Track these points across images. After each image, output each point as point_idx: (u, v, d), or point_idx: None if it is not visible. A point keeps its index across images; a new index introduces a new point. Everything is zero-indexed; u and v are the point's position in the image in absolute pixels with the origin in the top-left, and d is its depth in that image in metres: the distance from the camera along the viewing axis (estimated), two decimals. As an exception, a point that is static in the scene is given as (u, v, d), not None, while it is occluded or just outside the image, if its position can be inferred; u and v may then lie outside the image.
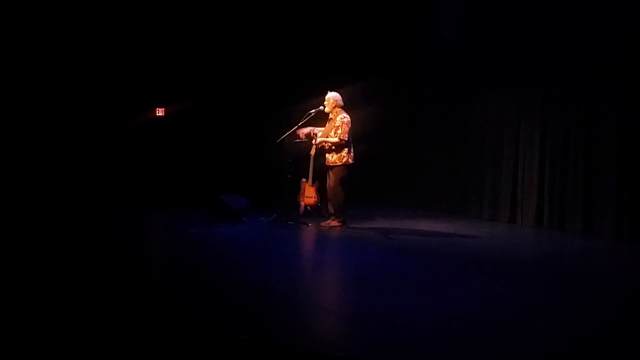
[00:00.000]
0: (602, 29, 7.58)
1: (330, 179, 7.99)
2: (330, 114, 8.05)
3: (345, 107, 8.14)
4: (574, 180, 7.90)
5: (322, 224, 8.17)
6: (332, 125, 7.98)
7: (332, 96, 8.03)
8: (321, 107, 8.07)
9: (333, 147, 7.93)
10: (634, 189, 7.27)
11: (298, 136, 8.22)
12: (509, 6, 8.78)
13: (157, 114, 10.87)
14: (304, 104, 8.54)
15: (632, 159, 7.30)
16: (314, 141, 8.08)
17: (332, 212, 8.14)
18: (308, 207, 8.84)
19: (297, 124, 8.14)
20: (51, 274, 5.33)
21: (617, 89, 7.47)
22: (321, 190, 8.55)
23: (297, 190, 8.88)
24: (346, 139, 7.88)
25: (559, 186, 8.06)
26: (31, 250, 6.32)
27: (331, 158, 7.98)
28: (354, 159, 8.01)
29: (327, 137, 8.00)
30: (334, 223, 8.04)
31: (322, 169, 8.30)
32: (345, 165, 7.94)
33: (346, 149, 7.92)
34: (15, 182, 9.24)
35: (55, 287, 4.85)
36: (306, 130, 8.19)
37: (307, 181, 8.80)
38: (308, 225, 8.20)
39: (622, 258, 6.82)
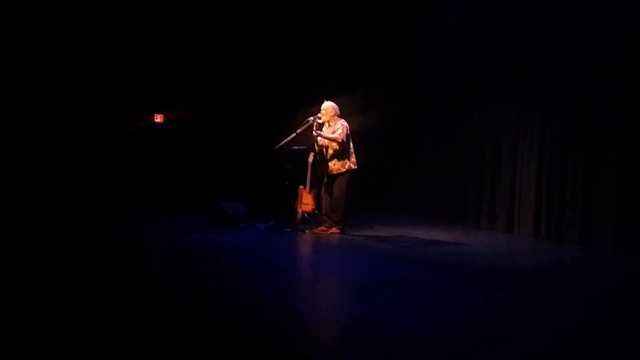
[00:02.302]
0: (601, 30, 7.51)
1: (335, 187, 7.95)
2: (328, 123, 8.01)
3: (345, 115, 8.12)
4: (572, 190, 7.86)
5: (316, 230, 8.17)
6: (332, 131, 7.96)
7: (330, 105, 8.01)
8: (319, 115, 8.03)
9: (334, 153, 7.89)
10: (633, 199, 7.22)
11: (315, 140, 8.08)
12: (509, 6, 8.71)
13: (156, 120, 10.89)
14: (302, 111, 8.50)
15: (631, 169, 7.26)
16: (314, 132, 7.97)
17: (330, 219, 8.10)
18: (305, 214, 8.84)
19: (295, 131, 8.10)
20: (51, 277, 5.35)
21: (616, 96, 7.41)
22: (318, 198, 8.53)
23: (294, 197, 8.87)
24: (345, 140, 7.85)
25: (557, 196, 8.02)
26: (30, 252, 6.34)
27: (334, 166, 7.95)
28: (356, 164, 7.99)
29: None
30: (334, 230, 8.04)
31: (320, 177, 8.27)
32: (349, 172, 7.92)
33: (348, 156, 7.91)
34: (16, 184, 9.30)
35: (54, 289, 4.87)
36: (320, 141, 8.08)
37: (304, 188, 8.79)
38: (305, 232, 8.21)
39: (620, 268, 6.80)
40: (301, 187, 8.80)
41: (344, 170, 7.92)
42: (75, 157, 10.10)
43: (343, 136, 7.83)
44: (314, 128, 7.98)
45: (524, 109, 8.50)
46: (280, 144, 8.13)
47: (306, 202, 8.79)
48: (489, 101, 9.01)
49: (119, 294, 4.92)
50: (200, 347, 3.74)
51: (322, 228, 8.16)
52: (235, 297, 4.91)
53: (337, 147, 7.88)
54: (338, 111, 8.02)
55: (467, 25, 9.43)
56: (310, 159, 8.52)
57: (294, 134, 8.10)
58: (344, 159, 7.91)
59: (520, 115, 8.54)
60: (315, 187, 8.65)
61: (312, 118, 8.05)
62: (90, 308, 4.38)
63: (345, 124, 7.94)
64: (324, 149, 8.04)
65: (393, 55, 10.56)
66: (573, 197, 7.84)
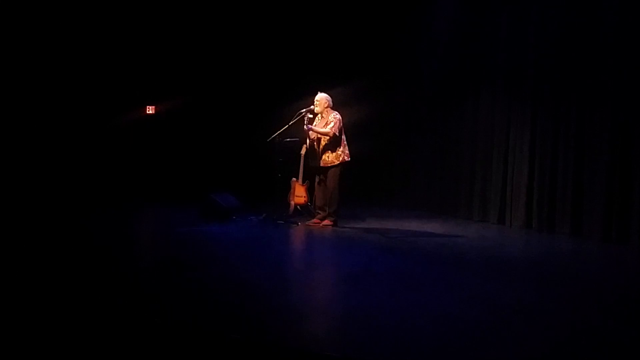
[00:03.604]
0: (594, 27, 7.61)
1: (329, 179, 7.96)
2: (321, 114, 8.04)
3: (338, 107, 8.15)
4: (563, 182, 7.94)
5: (308, 222, 8.17)
6: (324, 123, 7.98)
7: (324, 97, 8.02)
8: (312, 107, 8.05)
9: (327, 146, 7.91)
10: (623, 191, 7.31)
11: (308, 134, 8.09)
12: (505, 1, 8.79)
13: (148, 112, 10.84)
14: (295, 103, 8.51)
15: (620, 161, 7.35)
16: (305, 126, 7.98)
17: (323, 211, 8.11)
18: (298, 207, 8.83)
19: (287, 123, 8.11)
20: (41, 273, 5.29)
21: (607, 92, 7.50)
22: (311, 190, 8.54)
23: (287, 189, 8.87)
24: (337, 133, 7.87)
25: (548, 188, 8.10)
26: (20, 248, 6.27)
27: (327, 159, 7.96)
28: (349, 156, 8.01)
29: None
30: (326, 222, 8.04)
31: (313, 169, 8.27)
32: (342, 164, 7.95)
33: (340, 148, 7.93)
34: (4, 179, 9.18)
35: (45, 287, 4.82)
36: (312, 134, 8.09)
37: (297, 180, 8.79)
38: (298, 224, 8.19)
39: (611, 259, 6.90)
40: (294, 179, 8.80)
41: (337, 162, 7.94)
42: (65, 148, 9.99)
43: (335, 130, 7.86)
44: (305, 122, 8.00)
45: (515, 102, 8.58)
46: (273, 136, 8.15)
47: (299, 194, 8.78)
48: (481, 94, 9.07)
49: (112, 288, 4.85)
50: (193, 340, 3.73)
51: (315, 220, 8.16)
52: (227, 290, 4.89)
53: (330, 140, 7.91)
54: (331, 103, 8.04)
55: (461, 19, 9.46)
56: (303, 151, 8.51)
57: (286, 126, 8.11)
58: (337, 152, 7.94)
59: (512, 108, 8.62)
60: (308, 180, 8.65)
61: (304, 110, 8.05)
62: (80, 304, 4.34)
63: (338, 116, 7.97)
64: (317, 142, 8.06)
65: (387, 48, 10.62)
66: (564, 189, 7.92)
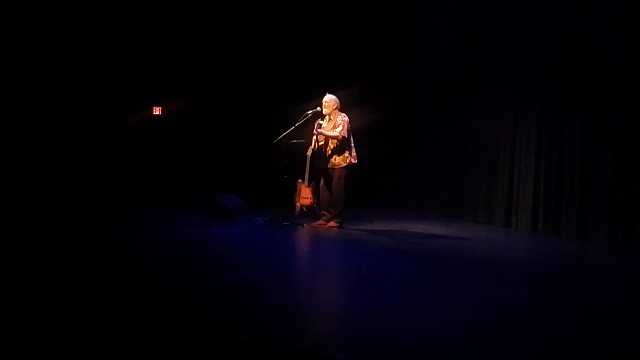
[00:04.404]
0: (598, 33, 7.60)
1: (335, 181, 7.97)
2: (329, 116, 8.04)
3: (343, 109, 8.15)
4: (569, 185, 7.91)
5: (314, 224, 8.18)
6: (332, 125, 7.98)
7: (332, 98, 8.02)
8: (319, 108, 8.06)
9: (334, 148, 7.92)
10: (628, 193, 7.28)
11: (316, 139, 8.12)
12: (507, 8, 8.78)
13: (155, 113, 10.90)
14: (301, 105, 8.54)
15: (626, 163, 7.32)
16: (315, 131, 8.01)
17: (329, 212, 8.11)
18: (304, 208, 8.84)
19: (294, 125, 8.13)
20: (42, 274, 5.31)
21: (611, 92, 7.48)
22: (316, 191, 8.54)
23: (293, 190, 8.88)
24: (346, 135, 7.88)
25: (554, 190, 8.07)
26: (25, 248, 6.31)
27: (335, 160, 7.97)
28: (356, 159, 8.02)
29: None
30: (332, 224, 8.05)
31: (319, 170, 8.28)
32: (349, 166, 7.95)
33: (348, 150, 7.93)
34: (11, 180, 9.24)
35: (46, 287, 4.84)
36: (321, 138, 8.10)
37: (303, 182, 8.81)
38: (303, 226, 8.21)
39: (616, 262, 6.85)
40: (300, 180, 8.82)
41: (344, 164, 7.95)
42: (73, 149, 10.05)
43: (344, 132, 7.86)
44: (315, 128, 8.00)
45: (520, 104, 8.56)
46: (279, 137, 8.17)
47: (305, 195, 8.80)
48: (486, 95, 9.07)
49: (112, 288, 4.86)
50: (198, 341, 3.74)
51: (321, 222, 8.16)
52: (232, 291, 4.89)
53: (338, 142, 7.91)
54: (339, 104, 8.05)
55: (464, 21, 9.50)
56: (309, 152, 8.53)
57: (292, 127, 8.12)
58: (345, 154, 7.94)
59: (517, 110, 8.60)
60: (314, 181, 8.66)
61: (310, 112, 8.07)
62: (81, 304, 4.35)
63: (346, 118, 7.97)
64: (324, 144, 8.06)
65: (390, 50, 10.64)
66: (570, 192, 7.89)
